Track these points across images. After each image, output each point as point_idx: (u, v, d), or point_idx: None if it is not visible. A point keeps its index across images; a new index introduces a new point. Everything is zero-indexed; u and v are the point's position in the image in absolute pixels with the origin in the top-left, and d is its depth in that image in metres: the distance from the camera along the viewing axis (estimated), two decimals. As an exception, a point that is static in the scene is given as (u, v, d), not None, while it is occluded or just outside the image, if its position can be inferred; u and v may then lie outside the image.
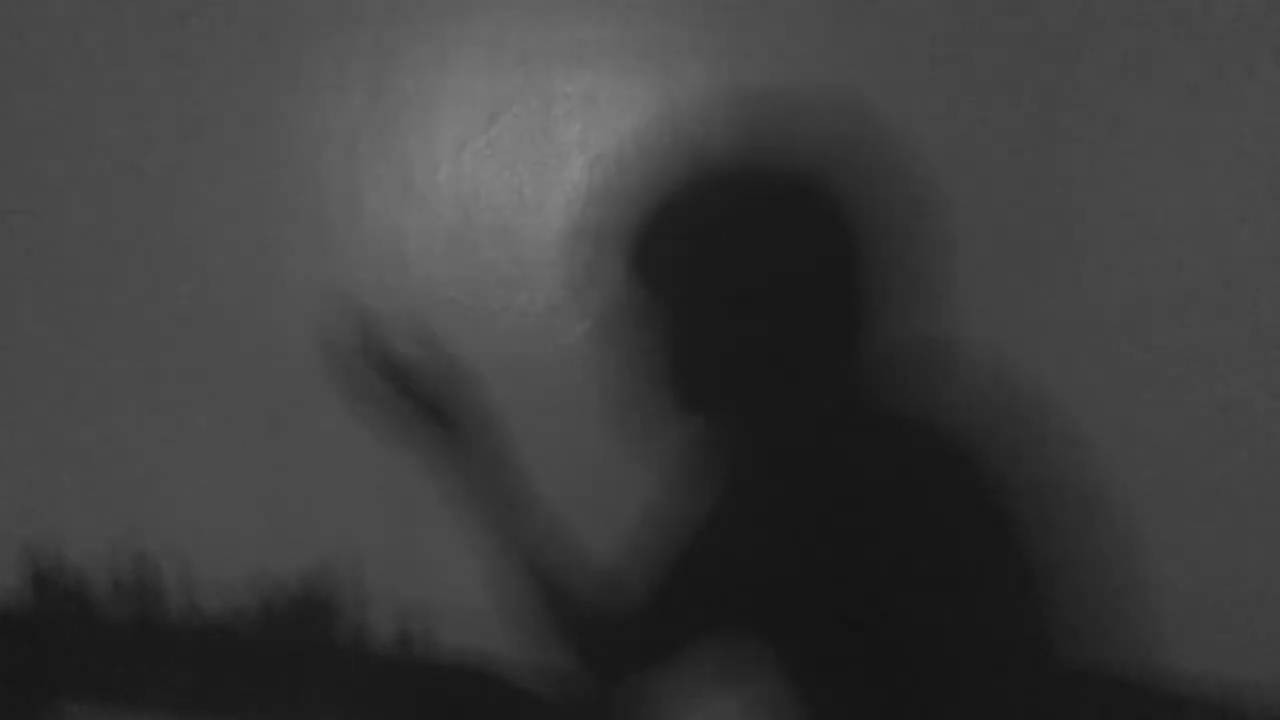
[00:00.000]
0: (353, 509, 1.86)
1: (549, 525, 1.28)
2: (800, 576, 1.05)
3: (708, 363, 1.15)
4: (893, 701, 1.06)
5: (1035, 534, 1.12)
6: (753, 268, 1.12)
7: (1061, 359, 1.64)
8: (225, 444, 1.92)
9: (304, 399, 1.84)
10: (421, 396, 1.31)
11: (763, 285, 1.12)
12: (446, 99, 1.82)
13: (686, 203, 1.15)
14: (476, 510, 1.29)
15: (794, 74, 1.67)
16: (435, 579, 1.80)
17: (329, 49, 1.84)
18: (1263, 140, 1.62)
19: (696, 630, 1.13)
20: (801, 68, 1.68)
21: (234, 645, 1.83)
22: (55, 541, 1.94)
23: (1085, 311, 1.67)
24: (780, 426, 1.11)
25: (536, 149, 1.79)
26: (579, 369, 1.68)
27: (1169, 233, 1.65)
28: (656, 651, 1.16)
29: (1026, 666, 1.10)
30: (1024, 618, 1.11)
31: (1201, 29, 1.62)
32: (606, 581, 1.22)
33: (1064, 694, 1.12)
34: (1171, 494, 1.63)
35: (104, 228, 1.94)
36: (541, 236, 1.78)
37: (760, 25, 1.70)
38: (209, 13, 1.87)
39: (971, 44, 1.67)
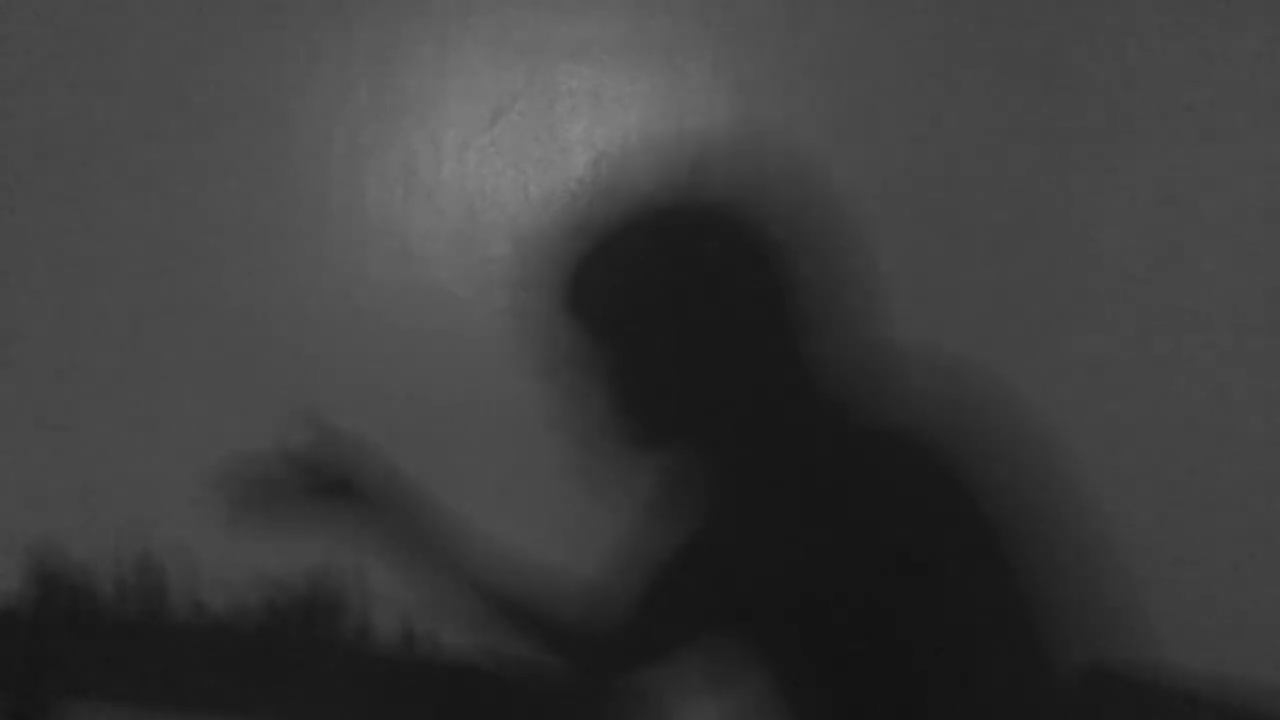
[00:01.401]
0: (346, 535, 1.86)
1: (488, 557, 1.27)
2: (784, 580, 1.05)
3: (658, 400, 1.14)
4: (885, 703, 1.06)
5: (1021, 534, 1.12)
6: (689, 302, 1.12)
7: (1055, 362, 1.64)
8: (229, 441, 1.92)
9: (309, 396, 1.84)
10: (320, 490, 1.30)
11: (702, 318, 1.12)
12: (450, 97, 1.81)
13: (614, 249, 1.15)
14: (413, 562, 1.29)
15: (794, 70, 1.67)
16: (437, 592, 1.79)
17: (333, 47, 1.84)
18: (1260, 143, 1.63)
19: (682, 637, 1.13)
20: (801, 63, 1.68)
21: (239, 644, 1.83)
22: (60, 541, 1.94)
23: (1075, 313, 1.67)
24: (747, 441, 1.11)
25: (541, 146, 1.79)
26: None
27: (1162, 236, 1.65)
28: (643, 659, 1.16)
29: (1019, 666, 1.10)
30: (1015, 617, 1.11)
31: (1195, 29, 1.62)
32: (579, 593, 1.22)
33: (1060, 694, 1.11)
34: (1167, 494, 1.63)
35: (107, 226, 1.94)
36: (546, 233, 1.78)
37: (762, 22, 1.70)
38: (213, 11, 1.87)
39: (966, 43, 1.67)
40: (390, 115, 1.83)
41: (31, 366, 1.98)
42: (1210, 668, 1.48)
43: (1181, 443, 1.66)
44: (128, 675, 1.83)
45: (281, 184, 1.87)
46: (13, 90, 1.95)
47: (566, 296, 1.17)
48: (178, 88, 1.89)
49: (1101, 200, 1.67)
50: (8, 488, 1.99)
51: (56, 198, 1.96)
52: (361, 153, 1.84)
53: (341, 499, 1.29)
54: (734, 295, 1.12)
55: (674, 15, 1.73)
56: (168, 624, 1.87)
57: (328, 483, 1.30)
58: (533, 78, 1.78)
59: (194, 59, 1.88)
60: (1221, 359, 1.65)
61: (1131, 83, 1.65)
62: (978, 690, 1.07)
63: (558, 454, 1.77)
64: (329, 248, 1.86)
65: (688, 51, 1.72)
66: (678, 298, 1.12)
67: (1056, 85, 1.66)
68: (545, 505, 1.66)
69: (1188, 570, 1.60)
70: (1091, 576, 1.16)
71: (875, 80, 1.66)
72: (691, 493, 1.12)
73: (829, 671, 1.07)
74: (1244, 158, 1.65)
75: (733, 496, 1.08)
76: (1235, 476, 1.65)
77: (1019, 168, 1.67)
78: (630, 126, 1.74)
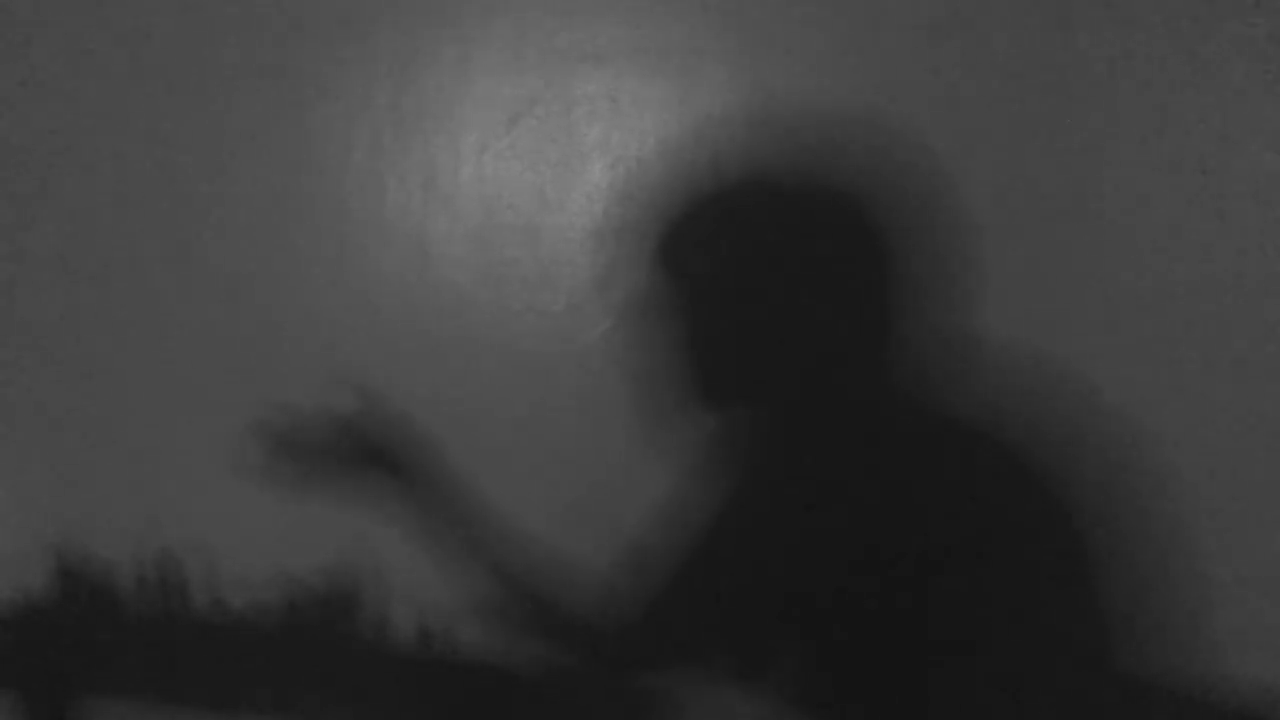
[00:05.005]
0: (374, 505, 1.86)
1: (512, 542, 1.28)
2: (824, 567, 1.05)
3: (731, 355, 1.15)
4: (921, 697, 1.06)
5: (1071, 527, 1.11)
6: (777, 262, 1.13)
7: (1109, 355, 1.61)
8: (248, 441, 1.93)
9: (327, 396, 1.85)
10: (357, 455, 1.30)
11: (787, 279, 1.13)
12: (469, 100, 1.83)
13: (712, 199, 1.16)
14: (437, 542, 1.29)
15: (810, 72, 1.68)
16: (456, 576, 1.80)
17: (353, 51, 1.85)
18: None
19: (713, 622, 1.13)
20: (818, 66, 1.68)
21: (257, 641, 1.84)
22: (80, 539, 1.95)
23: (1129, 307, 1.65)
24: (806, 417, 1.11)
25: (558, 149, 1.80)
26: (600, 368, 1.69)
27: (1204, 224, 1.63)
28: (671, 644, 1.16)
29: (1073, 666, 1.09)
30: (1075, 617, 1.10)
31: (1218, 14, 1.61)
32: (592, 582, 1.22)
33: (1095, 693, 1.11)
34: (1224, 493, 1.59)
35: (128, 229, 1.96)
36: (563, 236, 1.80)
37: (778, 25, 1.71)
38: (233, 15, 1.89)
39: (982, 40, 1.66)
40: (410, 120, 1.84)
41: (53, 366, 2.00)
42: (1264, 682, 1.46)
43: (1230, 440, 1.61)
44: (147, 672, 1.84)
45: (302, 187, 1.89)
46: (30, 96, 1.97)
47: (663, 247, 1.18)
48: (197, 92, 1.91)
49: (1146, 186, 1.64)
50: (29, 485, 2.01)
51: (74, 199, 1.97)
52: (381, 156, 1.86)
53: (375, 466, 1.30)
54: (828, 271, 1.13)
55: (689, 19, 1.74)
56: (187, 621, 1.89)
57: (364, 448, 1.30)
58: (550, 82, 1.80)
59: (215, 64, 1.90)
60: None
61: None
62: (1024, 687, 1.06)
63: (573, 452, 1.79)
64: (348, 250, 1.87)
65: (704, 55, 1.73)
66: (770, 265, 1.13)
67: (1077, 73, 1.65)
68: (561, 504, 1.67)
69: (1240, 571, 1.57)
70: (1160, 583, 1.15)
71: (894, 77, 1.66)
72: (737, 462, 1.12)
73: (870, 659, 1.07)
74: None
75: (788, 467, 1.09)
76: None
77: (1048, 159, 1.65)
78: (647, 130, 1.75)
